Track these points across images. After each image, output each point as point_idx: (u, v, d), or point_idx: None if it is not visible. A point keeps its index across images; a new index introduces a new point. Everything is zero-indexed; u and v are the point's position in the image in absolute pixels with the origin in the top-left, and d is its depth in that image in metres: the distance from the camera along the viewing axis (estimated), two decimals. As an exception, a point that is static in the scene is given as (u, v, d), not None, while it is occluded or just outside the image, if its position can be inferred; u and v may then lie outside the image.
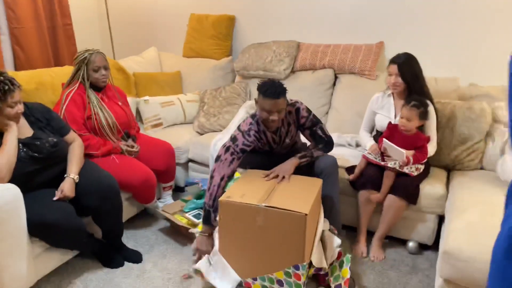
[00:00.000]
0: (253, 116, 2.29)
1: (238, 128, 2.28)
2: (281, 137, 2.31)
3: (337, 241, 2.11)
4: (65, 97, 2.39)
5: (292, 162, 2.21)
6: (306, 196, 1.99)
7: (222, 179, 2.16)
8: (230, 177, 2.22)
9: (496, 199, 2.06)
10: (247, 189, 2.03)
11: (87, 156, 2.34)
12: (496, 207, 1.95)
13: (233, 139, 2.23)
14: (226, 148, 2.21)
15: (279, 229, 1.90)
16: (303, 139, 2.49)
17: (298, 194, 2.00)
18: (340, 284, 2.01)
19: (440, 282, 1.80)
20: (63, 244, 2.09)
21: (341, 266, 2.07)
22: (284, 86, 2.10)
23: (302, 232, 1.86)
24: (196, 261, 2.15)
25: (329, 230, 2.17)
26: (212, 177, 2.18)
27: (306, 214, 1.83)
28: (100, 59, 2.42)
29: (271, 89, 2.05)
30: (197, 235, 2.24)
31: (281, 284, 1.99)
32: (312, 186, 2.08)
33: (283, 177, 2.14)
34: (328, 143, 2.31)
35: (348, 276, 2.02)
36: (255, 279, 2.03)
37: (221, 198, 1.96)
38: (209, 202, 2.14)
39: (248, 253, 1.99)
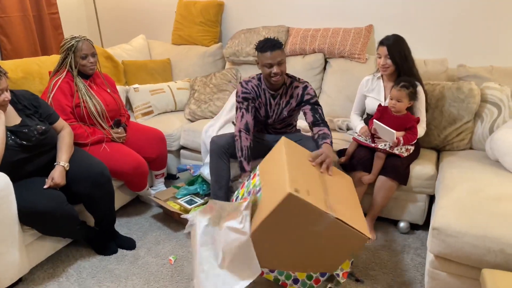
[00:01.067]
0: (258, 74, 2.37)
1: (239, 82, 2.35)
2: (279, 106, 2.33)
3: None
4: (52, 86, 2.37)
5: (329, 149, 2.09)
6: (356, 207, 1.90)
7: (240, 132, 2.26)
8: (247, 129, 2.26)
9: (484, 176, 2.09)
10: (305, 180, 1.77)
11: (77, 144, 2.33)
12: (484, 184, 1.99)
13: (236, 93, 2.35)
14: (236, 108, 2.33)
15: (334, 240, 1.75)
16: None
17: (350, 203, 1.88)
18: (338, 274, 1.99)
19: (431, 258, 1.82)
20: (55, 232, 2.09)
21: None
22: (280, 41, 2.21)
23: (353, 250, 1.80)
24: None
25: None
26: (235, 140, 2.27)
27: (369, 238, 1.76)
28: (87, 46, 2.39)
29: (268, 42, 2.17)
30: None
31: (296, 282, 1.90)
32: (350, 190, 2.00)
33: (327, 166, 1.99)
34: (329, 127, 2.29)
35: (348, 269, 1.99)
36: (272, 271, 1.89)
37: (289, 190, 1.60)
38: (238, 154, 2.24)
39: (284, 246, 1.78)
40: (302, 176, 1.78)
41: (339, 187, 1.93)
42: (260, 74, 2.36)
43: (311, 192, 1.70)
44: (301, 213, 1.65)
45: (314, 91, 2.35)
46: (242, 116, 2.29)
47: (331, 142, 2.15)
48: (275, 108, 2.33)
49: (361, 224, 1.77)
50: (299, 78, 2.36)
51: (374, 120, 2.34)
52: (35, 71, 2.73)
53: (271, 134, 2.49)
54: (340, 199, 1.82)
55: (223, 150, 2.31)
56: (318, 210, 1.64)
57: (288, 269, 1.85)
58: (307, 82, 2.35)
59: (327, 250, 1.78)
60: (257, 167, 2.02)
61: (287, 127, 2.49)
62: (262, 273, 1.87)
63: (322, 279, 1.89)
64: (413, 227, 2.51)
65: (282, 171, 1.74)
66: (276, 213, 1.66)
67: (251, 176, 2.02)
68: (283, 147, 1.90)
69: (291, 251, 1.78)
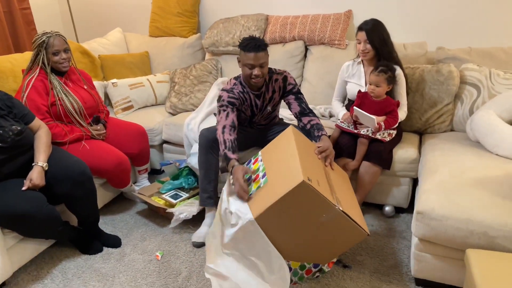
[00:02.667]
0: (236, 77, 2.29)
1: (222, 89, 2.26)
2: (264, 103, 2.29)
3: None
4: (26, 85, 2.29)
5: (329, 141, 2.06)
6: (355, 202, 1.93)
7: (224, 127, 2.10)
8: (232, 126, 2.12)
9: (466, 158, 2.11)
10: (314, 171, 1.78)
11: (55, 144, 2.27)
12: (466, 166, 2.01)
13: (219, 98, 2.23)
14: (218, 111, 2.20)
15: (335, 232, 1.76)
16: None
17: (351, 199, 1.90)
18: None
19: (416, 241, 1.84)
20: (37, 234, 2.04)
21: None
22: (265, 41, 2.12)
23: (352, 243, 1.81)
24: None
25: None
26: (217, 135, 2.11)
27: (368, 234, 1.78)
28: (59, 41, 2.32)
29: (252, 42, 2.07)
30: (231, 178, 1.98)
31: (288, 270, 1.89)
32: (348, 185, 2.02)
33: (330, 160, 2.01)
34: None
35: (334, 259, 2.02)
36: None
37: (303, 178, 1.61)
38: (222, 147, 2.04)
39: (285, 235, 1.77)
40: (311, 166, 1.78)
41: (341, 182, 1.95)
42: (239, 77, 2.28)
43: (321, 183, 1.71)
44: (310, 202, 1.66)
45: (294, 80, 2.32)
46: (227, 116, 2.14)
47: (324, 132, 2.13)
48: (260, 105, 2.30)
49: (361, 219, 1.80)
50: (275, 69, 2.30)
51: (354, 107, 2.34)
52: (8, 70, 2.65)
53: (255, 129, 2.46)
54: (342, 193, 1.84)
55: (212, 144, 2.26)
56: (327, 201, 1.65)
57: (285, 257, 1.84)
58: (286, 72, 2.31)
59: (327, 242, 1.79)
60: (259, 153, 2.01)
61: (271, 121, 2.47)
62: None
63: (314, 270, 1.90)
64: (398, 210, 2.54)
65: (293, 159, 1.74)
66: (285, 200, 1.65)
67: (252, 161, 2.00)
68: (292, 135, 1.89)
69: (291, 239, 1.78)
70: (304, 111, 2.24)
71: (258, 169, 1.91)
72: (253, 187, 1.85)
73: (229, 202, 1.84)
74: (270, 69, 2.29)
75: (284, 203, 1.66)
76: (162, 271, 2.10)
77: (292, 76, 2.32)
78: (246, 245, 1.76)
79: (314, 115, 2.25)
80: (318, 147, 1.99)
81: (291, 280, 1.92)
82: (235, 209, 1.78)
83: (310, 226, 1.73)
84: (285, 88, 2.29)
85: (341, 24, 3.05)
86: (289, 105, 2.31)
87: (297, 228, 1.74)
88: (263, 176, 1.83)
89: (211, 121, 2.81)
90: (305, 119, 2.22)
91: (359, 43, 2.42)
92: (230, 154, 1.99)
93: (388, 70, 2.30)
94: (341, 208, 1.68)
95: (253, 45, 2.06)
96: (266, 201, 1.69)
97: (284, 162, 1.78)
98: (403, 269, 2.05)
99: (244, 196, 1.79)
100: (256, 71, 2.10)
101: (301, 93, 2.31)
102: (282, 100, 2.37)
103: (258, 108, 2.31)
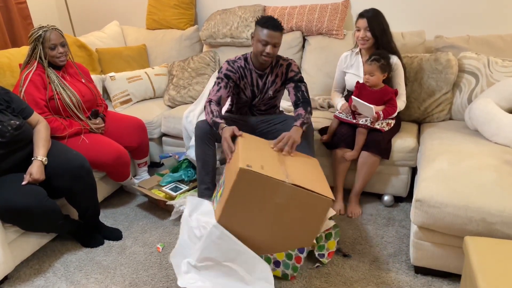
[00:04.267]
0: (243, 54, 2.32)
1: (227, 60, 2.31)
2: (266, 85, 2.30)
3: (331, 212, 2.03)
4: (23, 79, 2.29)
5: (298, 132, 2.09)
6: (319, 177, 1.90)
7: (210, 102, 2.20)
8: (218, 102, 2.20)
9: (464, 146, 2.12)
10: (261, 159, 1.83)
11: (54, 138, 2.27)
12: (464, 154, 2.01)
13: (220, 69, 2.28)
14: (214, 82, 2.26)
15: (299, 210, 1.77)
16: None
17: (311, 175, 1.89)
18: (323, 254, 2.02)
19: (415, 229, 1.85)
20: (38, 228, 2.05)
21: (328, 237, 2.02)
22: (285, 30, 2.17)
23: (322, 217, 1.80)
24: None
25: None
26: (204, 107, 2.20)
27: (333, 200, 1.77)
28: (55, 35, 2.31)
29: (271, 21, 2.12)
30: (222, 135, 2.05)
31: (277, 265, 1.92)
32: (315, 167, 2.01)
33: (290, 147, 2.03)
34: (310, 105, 2.27)
35: (334, 249, 2.03)
36: None
37: (241, 166, 1.67)
38: (209, 116, 2.15)
39: (254, 229, 1.80)
40: (257, 155, 1.84)
41: (301, 164, 1.97)
42: (246, 54, 2.31)
43: (266, 167, 1.76)
44: (259, 186, 1.71)
45: (298, 68, 2.35)
46: (217, 90, 2.23)
47: (304, 123, 2.14)
48: (262, 86, 2.31)
49: (322, 188, 1.79)
50: (282, 56, 2.34)
51: (352, 97, 2.34)
52: (5, 64, 2.64)
53: (255, 115, 2.47)
54: (299, 171, 1.86)
55: (209, 135, 2.27)
56: (274, 179, 1.70)
57: (265, 251, 1.86)
58: (291, 59, 2.34)
59: (297, 222, 1.80)
60: (223, 172, 2.07)
61: (271, 109, 2.47)
62: None
63: (302, 255, 1.90)
64: (397, 199, 2.55)
65: (237, 157, 1.80)
66: (235, 192, 1.72)
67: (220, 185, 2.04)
68: (239, 141, 1.98)
69: (263, 231, 1.81)
70: (297, 101, 2.27)
71: (223, 181, 1.96)
72: (218, 197, 1.91)
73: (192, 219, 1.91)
74: (278, 55, 2.33)
75: (236, 197, 1.73)
76: (164, 263, 2.11)
77: (296, 64, 2.34)
78: (218, 252, 1.78)
79: (305, 104, 2.25)
80: (274, 140, 2.05)
81: (287, 276, 1.93)
82: (200, 224, 1.84)
83: (272, 211, 1.76)
84: (287, 74, 2.31)
85: (338, 14, 3.04)
86: (288, 94, 2.33)
87: (262, 218, 1.77)
88: (223, 183, 1.91)
89: (210, 113, 2.81)
90: (296, 110, 2.24)
91: (359, 30, 2.41)
92: (218, 120, 2.11)
93: (381, 59, 2.30)
94: (291, 182, 1.71)
95: (272, 24, 2.11)
96: (222, 202, 1.77)
97: (233, 165, 1.84)
98: (403, 257, 2.06)
99: (229, 154, 1.94)
100: (268, 49, 2.14)
101: (303, 82, 2.32)
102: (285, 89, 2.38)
103: (259, 89, 2.32)
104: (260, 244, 1.83)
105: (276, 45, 2.16)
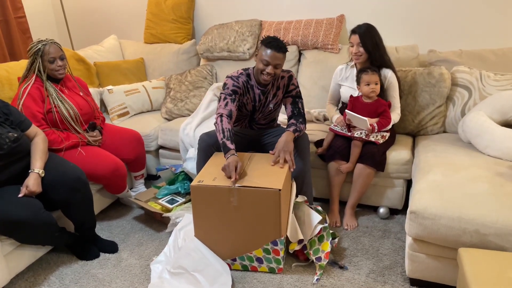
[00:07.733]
0: (245, 69, 2.34)
1: (227, 76, 2.32)
2: (267, 99, 2.33)
3: (316, 218, 2.11)
4: (21, 92, 2.31)
5: (289, 137, 2.16)
6: (277, 172, 2.02)
7: (221, 116, 2.16)
8: (229, 116, 2.18)
9: (458, 158, 2.14)
10: (218, 172, 2.02)
11: (51, 150, 2.28)
12: (458, 166, 2.04)
13: (224, 85, 2.29)
14: (220, 98, 2.27)
15: (254, 207, 1.93)
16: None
17: (270, 172, 2.03)
18: (320, 257, 2.05)
19: (410, 241, 1.86)
20: (33, 240, 2.05)
21: (320, 240, 2.10)
22: (287, 47, 2.21)
23: (277, 207, 1.90)
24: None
25: (309, 206, 2.21)
26: (216, 123, 2.17)
27: (279, 190, 1.86)
28: (54, 49, 2.34)
29: (275, 42, 2.15)
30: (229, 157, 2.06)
31: (260, 262, 2.05)
32: (282, 171, 2.07)
33: (284, 159, 2.11)
34: (304, 119, 2.32)
35: (328, 249, 2.06)
36: (234, 260, 2.08)
37: (192, 184, 1.95)
38: (220, 135, 2.11)
39: (225, 235, 2.02)
40: (217, 169, 2.04)
41: (265, 166, 2.09)
42: (248, 69, 2.32)
43: (218, 179, 1.97)
44: (213, 197, 1.95)
45: (297, 81, 2.38)
46: (226, 104, 2.20)
47: (296, 130, 2.22)
48: (263, 100, 2.33)
49: (270, 182, 1.92)
50: (283, 69, 2.34)
51: (346, 110, 2.37)
52: (4, 78, 2.66)
53: (254, 129, 2.49)
54: (257, 173, 2.01)
55: (212, 148, 2.29)
56: (221, 187, 1.92)
57: (243, 251, 2.04)
58: (292, 72, 2.37)
59: (257, 218, 1.96)
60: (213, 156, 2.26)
61: (270, 122, 2.49)
62: (230, 266, 2.07)
63: (277, 247, 2.00)
64: (393, 212, 2.56)
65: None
66: (195, 207, 2.01)
67: None
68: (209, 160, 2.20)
69: (232, 234, 2.02)
70: (292, 115, 2.32)
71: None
72: None
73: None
74: None
75: (198, 211, 2.01)
76: (159, 276, 2.11)
77: (296, 77, 2.38)
78: (190, 262, 1.99)
79: (299, 116, 2.30)
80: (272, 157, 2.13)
81: (274, 269, 2.05)
82: (185, 237, 2.14)
83: (232, 215, 1.97)
84: (288, 86, 2.34)
85: (333, 29, 3.09)
86: (285, 108, 2.37)
87: (226, 223, 1.99)
88: None
89: (206, 126, 2.83)
90: (289, 121, 2.30)
91: (352, 46, 2.46)
92: (229, 144, 2.09)
93: (376, 69, 2.38)
94: (238, 185, 1.90)
95: (275, 44, 2.14)
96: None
97: None
98: (398, 270, 2.07)
99: (229, 175, 1.97)
100: (269, 69, 2.16)
101: (300, 97, 2.35)
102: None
103: (261, 104, 2.34)
104: (235, 246, 2.04)
105: (277, 66, 2.16)
